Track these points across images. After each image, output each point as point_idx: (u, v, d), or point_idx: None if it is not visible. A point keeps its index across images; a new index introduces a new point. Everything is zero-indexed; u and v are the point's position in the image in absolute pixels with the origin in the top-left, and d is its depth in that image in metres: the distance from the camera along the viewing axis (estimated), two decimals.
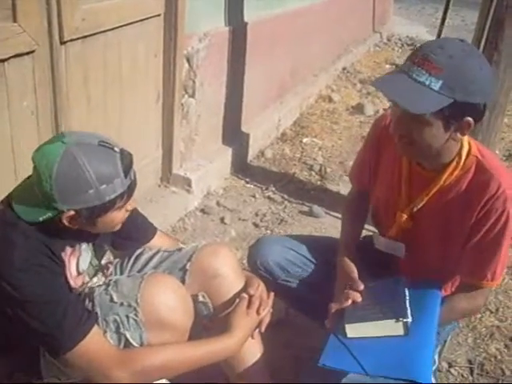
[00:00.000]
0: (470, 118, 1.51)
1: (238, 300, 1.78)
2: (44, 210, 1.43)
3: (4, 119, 1.93)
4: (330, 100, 5.02)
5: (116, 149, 1.46)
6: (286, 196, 3.46)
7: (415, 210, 1.78)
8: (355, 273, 1.84)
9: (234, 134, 3.68)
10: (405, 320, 1.63)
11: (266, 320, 1.77)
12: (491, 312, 2.57)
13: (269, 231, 3.07)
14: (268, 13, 3.81)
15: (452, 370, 2.23)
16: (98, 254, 1.78)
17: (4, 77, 1.89)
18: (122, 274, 1.85)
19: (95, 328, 1.50)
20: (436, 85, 1.44)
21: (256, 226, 3.11)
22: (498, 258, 1.65)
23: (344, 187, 3.60)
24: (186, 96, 3.04)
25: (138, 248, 1.93)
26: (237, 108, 3.65)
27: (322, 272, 1.98)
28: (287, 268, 2.03)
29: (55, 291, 1.47)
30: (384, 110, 5.13)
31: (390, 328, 1.65)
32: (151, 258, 1.88)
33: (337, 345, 1.65)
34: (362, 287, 1.79)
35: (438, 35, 7.62)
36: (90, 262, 1.72)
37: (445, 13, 7.31)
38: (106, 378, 1.48)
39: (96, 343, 1.48)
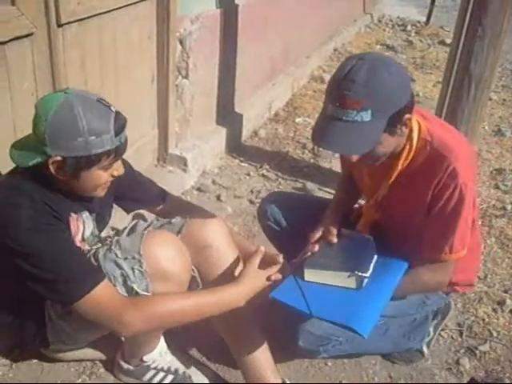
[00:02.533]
0: (407, 115, 1.60)
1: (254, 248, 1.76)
2: (34, 155, 1.52)
3: (6, 100, 2.00)
4: (322, 81, 5.07)
5: (112, 108, 1.55)
6: (279, 174, 3.54)
7: (380, 198, 1.87)
8: (334, 226, 1.94)
9: (227, 114, 3.75)
10: (359, 274, 1.73)
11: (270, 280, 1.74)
12: (480, 278, 2.67)
13: None
14: None
15: (442, 333, 2.32)
16: (100, 225, 1.86)
17: (4, 59, 1.94)
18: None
19: (106, 279, 1.58)
20: (367, 116, 1.52)
21: (251, 202, 3.19)
22: (456, 231, 1.73)
23: (336, 164, 3.68)
24: (180, 77, 3.11)
25: (151, 208, 2.05)
26: (230, 89, 3.72)
27: None
28: (294, 221, 2.13)
29: (66, 245, 1.56)
30: None
31: (345, 280, 1.75)
32: (144, 230, 1.95)
33: (292, 284, 1.74)
34: (334, 240, 1.88)
35: (428, 16, 7.69)
36: (92, 232, 1.80)
37: None
38: (119, 323, 1.55)
39: (107, 291, 1.56)
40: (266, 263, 1.74)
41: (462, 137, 1.86)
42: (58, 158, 1.50)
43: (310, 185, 3.39)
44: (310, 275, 1.80)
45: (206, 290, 1.74)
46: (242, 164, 3.63)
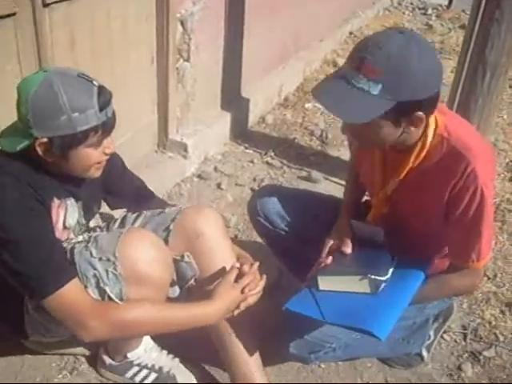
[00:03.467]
0: (420, 113, 1.46)
1: (228, 268, 1.74)
2: (21, 139, 1.47)
3: None
4: (335, 65, 4.91)
5: (95, 82, 1.48)
6: (285, 161, 3.42)
7: (389, 192, 1.75)
8: (348, 236, 1.82)
9: (233, 99, 3.62)
10: (374, 277, 1.64)
11: (250, 301, 1.70)
12: (488, 278, 2.54)
13: None
14: None
15: (445, 336, 2.21)
16: (87, 214, 1.79)
17: None
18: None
19: (76, 278, 1.51)
20: (375, 89, 1.38)
21: (253, 191, 3.07)
22: (481, 237, 1.59)
23: (345, 152, 3.55)
24: (181, 60, 2.99)
25: (133, 209, 1.94)
26: (236, 73, 3.59)
27: (315, 228, 1.95)
28: (286, 218, 2.03)
29: (42, 235, 1.49)
30: None
31: (360, 284, 1.66)
32: (135, 219, 1.88)
33: (306, 295, 1.69)
34: (349, 251, 1.78)
35: (450, 0, 7.43)
36: (78, 221, 1.73)
37: None
38: (82, 327, 1.50)
39: (76, 291, 1.50)
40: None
41: (480, 135, 1.72)
42: (44, 140, 1.46)
43: (315, 174, 3.27)
44: (325, 284, 1.71)
45: (179, 305, 1.67)
46: (247, 151, 3.51)
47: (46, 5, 2.04)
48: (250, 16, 3.46)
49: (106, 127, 1.52)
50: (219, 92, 3.49)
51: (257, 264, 1.75)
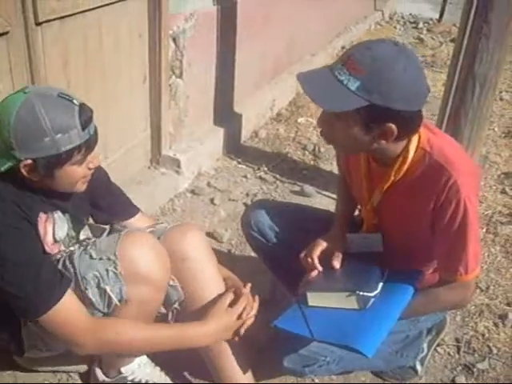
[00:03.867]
0: (391, 125, 1.48)
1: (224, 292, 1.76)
2: (5, 160, 1.47)
3: None
4: None
5: (75, 101, 1.49)
6: (278, 176, 3.43)
7: (375, 204, 1.77)
8: (339, 249, 1.84)
9: (226, 114, 3.64)
10: (362, 294, 1.65)
11: (248, 322, 1.72)
12: (481, 290, 2.55)
13: None
14: None
15: (438, 349, 2.21)
16: (76, 226, 1.79)
17: None
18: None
19: (68, 293, 1.52)
20: (353, 85, 1.42)
21: (246, 206, 3.08)
22: (467, 250, 1.60)
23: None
24: (174, 77, 3.01)
25: (117, 224, 1.94)
26: (228, 88, 3.61)
27: (308, 242, 1.94)
28: (279, 231, 2.04)
29: (29, 254, 1.49)
30: None
31: (348, 301, 1.66)
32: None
33: (296, 311, 1.70)
34: (337, 266, 1.79)
35: (441, 13, 7.52)
36: (67, 233, 1.73)
37: None
38: (75, 343, 1.53)
39: (68, 309, 1.51)
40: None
41: (463, 150, 1.76)
42: (29, 162, 1.46)
43: (308, 188, 3.28)
44: (314, 300, 1.72)
45: (172, 324, 1.70)
46: (240, 166, 3.53)
47: (38, 23, 2.05)
48: (242, 31, 3.49)
49: (89, 144, 1.53)
50: (212, 108, 3.51)
51: (249, 286, 1.77)
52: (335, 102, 1.45)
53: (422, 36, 6.70)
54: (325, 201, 3.17)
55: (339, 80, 1.44)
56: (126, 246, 1.59)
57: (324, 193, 3.26)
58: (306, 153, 3.74)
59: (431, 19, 7.52)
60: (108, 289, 1.56)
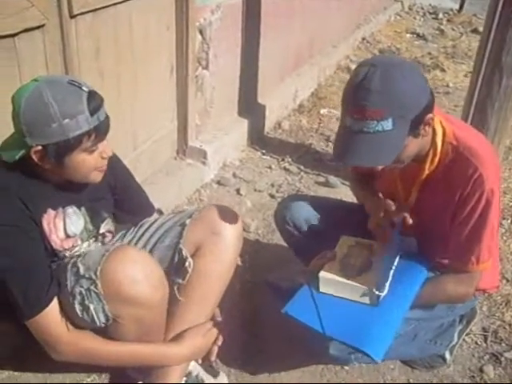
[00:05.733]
0: (429, 115, 1.52)
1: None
2: (18, 149, 1.50)
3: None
4: (349, 70, 4.95)
5: (84, 88, 1.49)
6: (302, 167, 3.45)
7: (413, 203, 1.79)
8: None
9: (250, 105, 3.67)
10: (377, 293, 1.66)
11: (215, 350, 1.82)
12: (507, 280, 2.56)
13: None
14: None
15: (466, 338, 2.23)
16: (95, 220, 1.79)
17: (15, 51, 1.90)
18: (122, 241, 1.91)
19: (53, 302, 1.55)
20: (388, 124, 1.44)
21: (272, 196, 3.12)
22: (482, 240, 1.65)
23: None
24: (200, 68, 3.04)
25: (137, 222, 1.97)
26: (252, 80, 3.64)
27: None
28: (315, 226, 2.05)
29: (24, 255, 1.51)
30: None
31: (362, 295, 1.68)
32: (154, 221, 1.93)
33: (306, 297, 1.71)
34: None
35: (461, 3, 7.47)
36: (85, 227, 1.74)
37: None
38: (52, 349, 1.59)
39: (50, 318, 1.55)
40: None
41: (487, 142, 1.79)
42: (39, 148, 1.48)
43: (332, 179, 3.30)
44: (325, 285, 1.73)
45: (146, 343, 1.71)
46: (264, 157, 3.55)
47: (72, 16, 2.09)
48: (266, 24, 3.51)
49: (99, 131, 1.53)
50: (236, 99, 3.54)
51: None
52: (393, 148, 1.49)
53: (442, 27, 6.67)
54: (349, 191, 3.17)
55: (374, 132, 1.45)
56: (109, 265, 1.54)
57: (348, 183, 3.26)
58: (330, 144, 3.75)
59: (451, 10, 7.48)
60: (91, 307, 1.56)
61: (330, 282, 1.73)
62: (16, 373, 1.95)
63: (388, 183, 1.88)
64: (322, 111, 4.19)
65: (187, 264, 1.81)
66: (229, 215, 1.88)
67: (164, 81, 2.87)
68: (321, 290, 1.73)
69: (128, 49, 2.51)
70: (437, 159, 1.66)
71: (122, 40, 2.44)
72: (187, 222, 1.84)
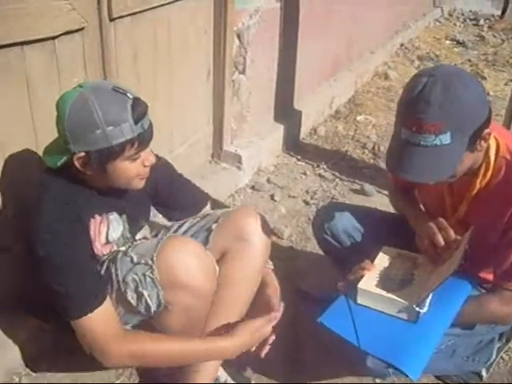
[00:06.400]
0: (486, 130, 1.47)
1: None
2: (61, 155, 1.51)
3: (55, 95, 1.97)
4: (386, 77, 4.90)
5: (129, 95, 1.49)
6: (337, 174, 3.41)
7: (461, 216, 1.74)
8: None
9: (286, 111, 3.65)
10: (417, 309, 1.59)
11: (266, 348, 1.72)
12: None
13: None
14: None
15: (504, 355, 2.16)
16: (132, 228, 1.80)
17: (54, 53, 1.91)
18: None
19: (105, 303, 1.52)
20: (447, 138, 1.41)
21: (306, 203, 3.09)
22: None
23: None
24: (237, 73, 3.03)
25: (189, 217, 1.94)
26: (289, 85, 3.61)
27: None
28: (354, 236, 2.01)
29: (75, 257, 1.50)
30: None
31: (401, 310, 1.62)
32: (182, 224, 1.91)
33: (343, 308, 1.65)
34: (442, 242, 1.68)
35: (504, 9, 7.33)
36: (123, 234, 1.75)
37: None
38: (100, 352, 1.50)
39: (101, 319, 1.51)
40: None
41: None
42: (82, 154, 1.48)
43: (368, 187, 3.25)
44: (363, 297, 1.67)
45: (198, 338, 1.67)
46: (299, 163, 3.52)
47: (112, 19, 2.10)
48: (304, 29, 3.49)
49: (143, 139, 1.52)
50: (273, 104, 3.52)
51: (281, 308, 1.76)
52: (449, 165, 1.46)
53: (482, 33, 6.55)
54: (385, 200, 3.12)
55: (432, 146, 1.42)
56: (166, 251, 1.56)
57: (384, 192, 3.21)
58: (366, 151, 3.71)
59: (493, 16, 7.34)
60: (145, 293, 1.55)
61: (369, 294, 1.67)
62: (48, 373, 1.95)
63: (434, 197, 1.83)
64: (359, 118, 4.15)
65: None
66: (256, 220, 1.83)
67: (200, 84, 2.87)
68: (358, 302, 1.68)
69: (165, 52, 2.51)
70: (489, 174, 1.61)
71: (159, 43, 2.45)
72: (213, 227, 1.81)
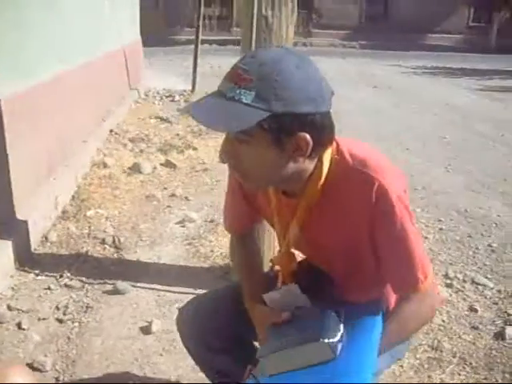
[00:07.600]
0: (303, 134, 1.30)
1: None
2: None
3: None
4: (105, 165, 4.80)
5: None
6: (84, 279, 3.12)
7: (292, 242, 1.57)
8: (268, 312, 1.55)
9: (9, 225, 3.27)
10: (326, 340, 1.33)
11: None
12: None
13: (76, 323, 2.73)
14: (23, 86, 3.48)
15: None
16: None
17: None
18: None
19: None
20: (248, 97, 1.25)
21: (60, 321, 2.74)
22: (415, 253, 1.44)
23: (142, 253, 3.44)
24: None
25: None
26: (5, 196, 3.26)
27: None
28: (214, 340, 1.73)
29: None
30: (160, 164, 5.06)
31: (314, 353, 1.34)
32: None
33: None
34: (280, 319, 1.48)
35: (193, 83, 7.90)
36: None
37: (195, 61, 7.62)
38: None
39: None
40: None
41: (375, 150, 1.55)
42: None
43: (120, 284, 3.04)
44: (272, 365, 1.37)
45: None
46: (39, 277, 3.15)
47: None
48: (10, 132, 3.19)
49: None
50: None
51: None
52: (232, 122, 1.27)
53: (180, 107, 6.90)
54: (143, 293, 2.98)
55: (229, 97, 1.27)
56: None
57: (139, 285, 3.06)
58: (107, 247, 3.51)
59: (185, 90, 7.83)
60: None
61: (274, 358, 1.37)
62: None
63: (267, 218, 1.67)
64: (89, 213, 3.94)
65: None
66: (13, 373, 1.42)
67: None
68: (269, 374, 1.37)
69: None
70: (319, 186, 1.44)
71: None
72: None
